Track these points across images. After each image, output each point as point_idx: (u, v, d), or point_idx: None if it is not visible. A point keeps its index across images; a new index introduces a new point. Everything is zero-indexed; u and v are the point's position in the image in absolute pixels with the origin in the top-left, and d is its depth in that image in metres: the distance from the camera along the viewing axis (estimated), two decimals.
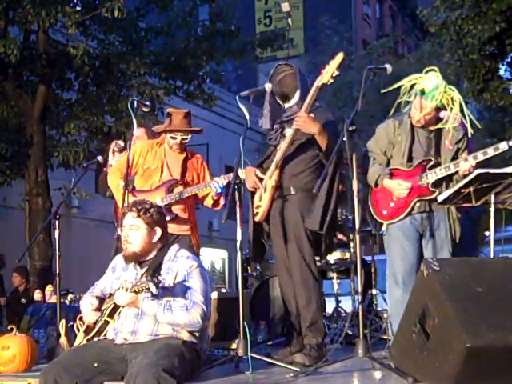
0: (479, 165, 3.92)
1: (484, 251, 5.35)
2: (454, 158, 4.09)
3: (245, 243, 4.08)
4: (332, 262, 6.00)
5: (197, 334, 3.54)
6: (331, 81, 3.95)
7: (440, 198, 4.00)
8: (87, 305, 3.68)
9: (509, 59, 12.13)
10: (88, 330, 3.68)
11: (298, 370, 3.67)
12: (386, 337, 4.86)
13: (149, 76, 10.75)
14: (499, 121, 18.95)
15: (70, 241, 12.76)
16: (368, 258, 6.17)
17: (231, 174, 4.59)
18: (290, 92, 4.32)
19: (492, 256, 3.98)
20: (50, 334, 4.92)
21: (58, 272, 4.93)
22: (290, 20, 21.03)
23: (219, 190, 4.69)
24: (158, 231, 3.62)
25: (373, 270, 5.95)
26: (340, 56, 3.91)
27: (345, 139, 3.71)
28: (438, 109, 4.04)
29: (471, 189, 3.86)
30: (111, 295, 3.67)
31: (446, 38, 11.66)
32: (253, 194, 4.39)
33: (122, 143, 5.54)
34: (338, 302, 6.18)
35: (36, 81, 10.18)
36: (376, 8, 31.63)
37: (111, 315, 3.62)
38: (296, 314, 4.22)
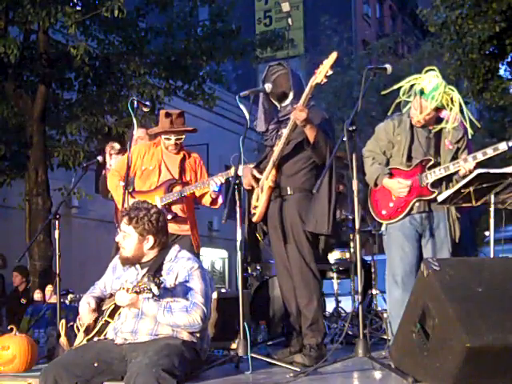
0: (479, 165, 3.93)
1: (484, 251, 5.35)
2: (454, 157, 4.09)
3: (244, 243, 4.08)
4: (332, 262, 6.01)
5: (197, 334, 3.54)
6: (325, 80, 3.95)
7: (440, 198, 4.00)
8: (85, 306, 3.68)
9: (509, 59, 12.14)
10: (88, 330, 3.68)
11: (298, 369, 3.67)
12: (385, 337, 4.87)
13: (149, 76, 10.74)
14: (499, 121, 18.98)
15: (70, 241, 12.78)
16: (368, 258, 6.18)
17: (228, 171, 4.60)
18: (284, 92, 4.31)
19: (492, 256, 3.98)
20: (50, 333, 4.93)
21: (57, 272, 4.93)
22: (289, 20, 21.02)
23: (217, 189, 4.69)
24: (150, 239, 3.57)
25: (372, 270, 5.95)
26: (333, 55, 3.90)
27: (345, 139, 3.72)
28: (438, 109, 4.05)
29: (471, 189, 3.86)
30: (111, 295, 3.67)
31: (446, 38, 11.66)
32: (250, 193, 4.39)
33: (117, 146, 5.52)
34: (337, 301, 6.18)
35: (36, 81, 10.17)
36: (376, 8, 31.62)
37: (111, 315, 3.62)
38: (296, 314, 4.22)
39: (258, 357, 3.90)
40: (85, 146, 10.63)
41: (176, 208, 4.77)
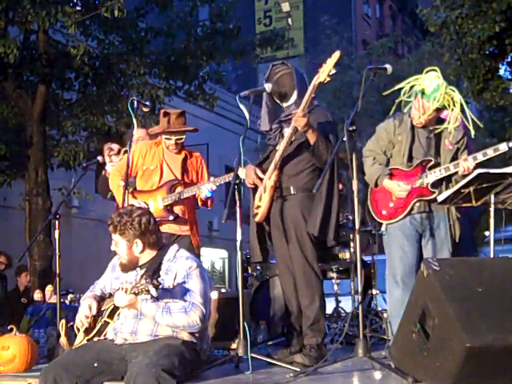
0: (479, 165, 3.93)
1: (484, 251, 5.35)
2: (454, 158, 4.09)
3: (245, 243, 4.08)
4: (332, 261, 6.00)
5: (197, 334, 3.54)
6: (328, 79, 3.95)
7: (440, 198, 4.00)
8: (85, 309, 3.66)
9: (509, 59, 12.13)
10: (88, 330, 3.68)
11: (298, 370, 3.67)
12: (385, 337, 4.87)
13: (149, 76, 10.74)
14: (499, 121, 18.99)
15: (70, 241, 12.78)
16: (368, 258, 6.18)
17: (222, 178, 4.62)
18: (287, 91, 4.31)
19: (492, 256, 3.98)
20: (50, 333, 4.93)
21: (58, 272, 4.93)
22: (289, 20, 21.05)
23: (209, 195, 4.67)
24: (139, 243, 3.54)
25: (372, 270, 5.95)
26: (336, 54, 3.90)
27: (345, 139, 3.71)
28: (439, 109, 4.05)
29: (471, 189, 3.86)
30: (111, 295, 3.66)
31: (446, 38, 11.65)
32: (254, 193, 4.39)
33: (115, 146, 5.50)
34: (337, 301, 6.18)
35: (36, 81, 10.16)
36: (376, 8, 31.63)
37: (111, 316, 3.61)
38: (297, 313, 4.22)
39: (258, 357, 3.90)
40: (85, 145, 10.63)
41: (177, 208, 4.76)
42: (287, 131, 4.18)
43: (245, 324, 3.82)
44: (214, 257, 21.64)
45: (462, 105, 3.95)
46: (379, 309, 5.85)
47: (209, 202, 4.81)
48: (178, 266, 3.56)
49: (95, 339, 3.63)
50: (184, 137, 4.81)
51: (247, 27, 14.78)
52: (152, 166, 4.82)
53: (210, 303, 3.71)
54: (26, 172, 10.27)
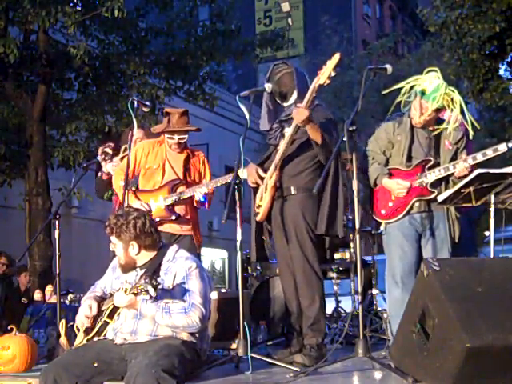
0: (479, 165, 3.93)
1: (484, 251, 5.35)
2: (454, 158, 4.09)
3: (245, 243, 4.08)
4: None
5: (197, 334, 3.54)
6: (328, 81, 3.95)
7: (440, 198, 4.00)
8: (86, 309, 3.66)
9: (509, 59, 12.13)
10: (88, 330, 3.68)
11: (298, 370, 3.67)
12: (385, 337, 4.87)
13: (149, 76, 10.74)
14: (499, 121, 18.97)
15: (70, 241, 12.77)
16: (368, 258, 6.17)
17: (214, 181, 4.62)
18: (288, 91, 4.31)
19: (492, 256, 3.98)
20: (50, 333, 4.93)
21: (58, 272, 4.93)
22: (290, 20, 21.04)
23: (202, 199, 4.67)
24: (134, 245, 3.55)
25: (372, 270, 5.95)
26: (336, 57, 3.90)
27: (345, 139, 3.71)
28: (438, 110, 4.05)
29: (471, 189, 3.86)
30: (111, 295, 3.67)
31: (446, 38, 11.66)
32: (255, 192, 4.39)
33: (109, 151, 5.46)
34: (337, 301, 6.18)
35: (36, 81, 10.17)
36: (376, 8, 31.61)
37: (111, 316, 3.62)
38: (297, 313, 4.22)
39: (258, 357, 3.90)
40: (85, 145, 10.62)
41: (179, 208, 4.75)
42: (288, 131, 4.18)
43: (245, 324, 3.82)
44: (214, 257, 21.64)
45: (461, 105, 3.95)
46: (379, 309, 5.84)
47: (206, 204, 4.79)
48: (177, 266, 3.56)
49: (95, 339, 3.63)
50: (186, 136, 4.80)
51: (247, 27, 14.79)
52: (155, 165, 4.81)
53: (210, 303, 3.70)
54: (25, 172, 10.27)
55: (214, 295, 5.16)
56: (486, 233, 7.13)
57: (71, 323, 3.95)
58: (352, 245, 5.83)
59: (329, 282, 6.29)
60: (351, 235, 5.90)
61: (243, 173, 4.27)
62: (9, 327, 4.48)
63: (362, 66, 16.29)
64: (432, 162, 4.09)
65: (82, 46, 8.93)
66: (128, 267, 3.61)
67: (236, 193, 3.96)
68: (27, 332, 5.58)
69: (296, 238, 4.16)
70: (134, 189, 4.79)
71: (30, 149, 9.98)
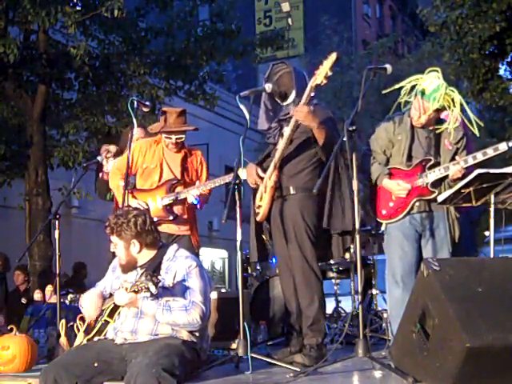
0: (479, 165, 3.93)
1: (484, 251, 5.35)
2: (453, 158, 4.09)
3: (245, 243, 4.08)
4: (332, 262, 5.99)
5: (197, 334, 3.54)
6: (325, 81, 3.95)
7: (440, 198, 4.00)
8: (88, 300, 3.67)
9: (509, 59, 12.12)
10: (88, 330, 3.69)
11: (298, 369, 3.67)
12: (385, 337, 4.87)
13: (149, 76, 10.73)
14: (499, 121, 18.95)
15: (70, 241, 12.76)
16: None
17: (213, 181, 4.62)
18: (287, 90, 4.31)
19: (492, 256, 3.98)
20: (50, 333, 4.92)
21: (58, 272, 4.93)
22: (289, 20, 21.04)
23: (195, 202, 4.66)
24: (136, 244, 3.56)
25: (372, 270, 5.95)
26: (333, 56, 3.90)
27: (345, 139, 3.71)
28: (439, 110, 4.05)
29: (471, 189, 3.86)
30: (111, 295, 3.67)
31: (446, 38, 11.65)
32: (255, 192, 4.39)
33: (112, 148, 5.47)
34: (337, 302, 6.18)
35: (36, 81, 10.15)
36: (376, 8, 31.62)
37: (111, 315, 3.62)
38: (297, 313, 4.22)
39: (258, 357, 3.90)
40: (85, 145, 10.61)
41: (177, 208, 4.75)
42: (287, 130, 4.18)
43: (245, 324, 3.82)
44: (214, 257, 21.64)
45: (462, 105, 3.95)
46: (379, 309, 5.85)
47: (198, 206, 4.77)
48: (177, 264, 3.56)
49: (95, 339, 3.63)
50: (184, 136, 4.79)
51: (247, 27, 14.78)
52: (152, 164, 4.81)
53: (210, 302, 3.71)
54: (26, 172, 10.26)
55: (213, 295, 5.17)
56: (486, 233, 7.13)
57: (71, 323, 3.95)
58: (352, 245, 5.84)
59: (329, 282, 6.29)
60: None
61: (243, 173, 4.27)
62: (9, 327, 4.48)
63: (362, 66, 16.27)
64: (432, 162, 4.09)
65: (82, 45, 8.92)
66: (129, 267, 3.60)
67: (236, 193, 3.96)
68: (27, 332, 5.58)
69: (295, 238, 4.16)
70: (131, 188, 4.78)
71: (30, 149, 9.97)
